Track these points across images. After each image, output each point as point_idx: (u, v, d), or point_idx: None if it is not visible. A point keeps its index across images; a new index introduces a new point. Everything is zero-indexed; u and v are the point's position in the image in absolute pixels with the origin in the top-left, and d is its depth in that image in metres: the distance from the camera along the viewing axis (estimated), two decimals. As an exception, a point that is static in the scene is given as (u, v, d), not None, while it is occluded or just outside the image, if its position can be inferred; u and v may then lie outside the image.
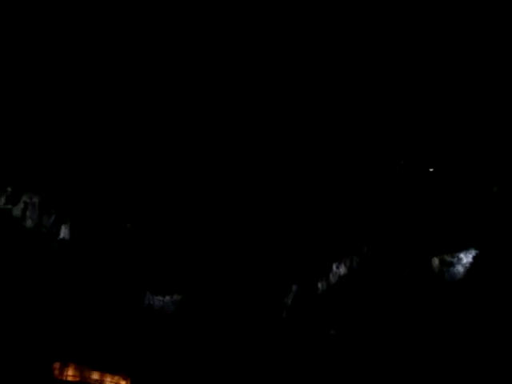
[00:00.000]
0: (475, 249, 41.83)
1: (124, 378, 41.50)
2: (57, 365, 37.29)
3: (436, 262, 43.80)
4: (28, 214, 39.84)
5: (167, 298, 49.99)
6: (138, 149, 45.63)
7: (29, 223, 39.23)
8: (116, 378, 40.89)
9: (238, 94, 46.02)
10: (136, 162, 46.28)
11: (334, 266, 49.28)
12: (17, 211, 38.53)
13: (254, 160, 48.62)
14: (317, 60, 42.17)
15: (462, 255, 43.17)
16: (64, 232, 42.04)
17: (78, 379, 37.42)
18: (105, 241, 47.26)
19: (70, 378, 37.07)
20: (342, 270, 47.92)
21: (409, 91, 42.62)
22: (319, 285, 49.41)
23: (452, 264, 43.57)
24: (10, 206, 37.97)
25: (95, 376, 39.11)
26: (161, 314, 48.68)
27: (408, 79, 42.08)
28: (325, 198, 49.78)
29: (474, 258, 42.26)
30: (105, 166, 45.25)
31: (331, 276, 49.07)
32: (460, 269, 43.33)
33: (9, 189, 37.87)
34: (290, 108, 44.20)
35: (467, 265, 42.91)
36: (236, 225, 52.21)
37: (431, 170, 42.92)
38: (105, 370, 39.74)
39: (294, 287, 50.65)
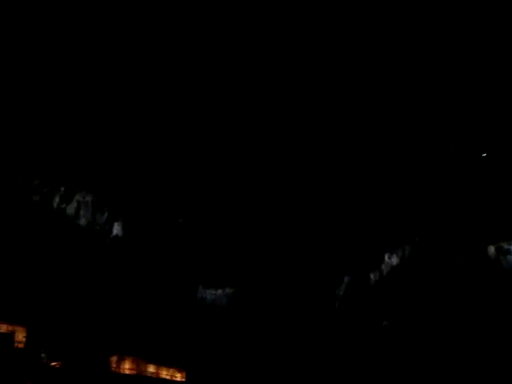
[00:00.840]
0: (533, 236, 40.41)
1: (179, 371, 42.21)
2: (114, 358, 38.24)
3: (492, 249, 42.46)
4: (81, 212, 40.98)
5: (219, 291, 50.47)
6: (187, 146, 46.09)
7: (82, 221, 40.33)
8: (171, 370, 41.64)
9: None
10: (186, 159, 46.75)
11: (386, 257, 48.55)
12: (70, 210, 39.67)
13: (300, 156, 48.30)
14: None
15: (519, 243, 41.80)
16: (117, 229, 43.00)
17: (134, 372, 38.29)
18: (157, 236, 48.06)
19: (126, 371, 37.97)
20: (395, 260, 47.12)
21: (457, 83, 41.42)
22: (371, 275, 48.80)
23: (509, 252, 42.17)
24: (63, 205, 39.13)
25: (151, 369, 39.94)
26: (213, 307, 49.21)
27: (450, 72, 40.96)
28: (375, 189, 49.01)
29: (532, 245, 40.84)
30: (155, 164, 45.95)
31: (383, 266, 48.36)
32: (517, 257, 41.94)
33: (62, 188, 39.02)
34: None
35: (525, 252, 41.50)
36: (288, 217, 52.12)
37: (484, 155, 41.57)
38: (161, 363, 40.53)
39: (346, 278, 50.15)
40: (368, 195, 48.71)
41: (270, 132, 47.34)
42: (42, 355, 38.11)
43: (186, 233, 47.39)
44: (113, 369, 39.62)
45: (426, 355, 40.09)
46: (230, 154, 47.26)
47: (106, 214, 42.53)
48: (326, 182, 49.86)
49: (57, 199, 38.65)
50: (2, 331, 33.32)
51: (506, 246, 39.36)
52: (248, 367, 48.92)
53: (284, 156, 48.01)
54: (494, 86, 39.59)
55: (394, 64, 41.86)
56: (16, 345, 34.85)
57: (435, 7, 38.08)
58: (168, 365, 44.76)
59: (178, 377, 47.18)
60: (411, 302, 42.19)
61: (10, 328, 34.85)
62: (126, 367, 40.08)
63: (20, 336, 35.48)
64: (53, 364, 39.04)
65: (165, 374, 45.11)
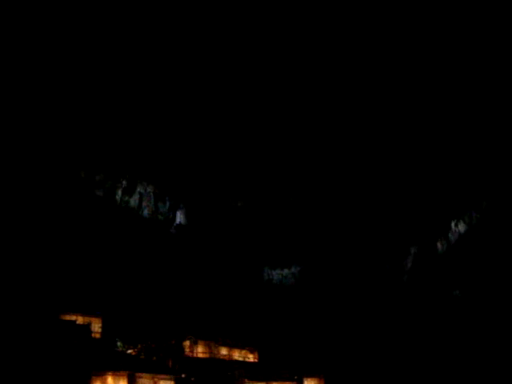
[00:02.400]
0: None
1: (251, 352, 42.80)
2: (187, 343, 39.16)
3: None
4: (144, 203, 41.97)
5: (286, 270, 50.63)
6: (240, 130, 46.24)
7: (145, 212, 41.32)
8: (244, 351, 42.27)
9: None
10: (239, 143, 46.90)
11: (453, 224, 47.06)
12: (133, 202, 40.69)
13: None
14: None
15: None
16: (180, 217, 43.83)
17: (207, 356, 39.10)
18: (219, 221, 48.61)
19: (200, 355, 38.81)
20: (462, 227, 45.63)
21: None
22: (438, 245, 47.50)
23: None
24: (126, 198, 40.17)
25: (224, 351, 40.68)
26: (281, 287, 49.48)
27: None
28: (438, 156, 47.42)
29: None
30: (211, 150, 46.32)
31: (450, 235, 46.95)
32: None
33: (124, 182, 40.04)
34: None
35: None
36: (352, 191, 51.40)
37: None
38: (233, 345, 41.18)
39: (413, 249, 49.09)
40: (430, 163, 47.29)
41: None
42: (118, 343, 39.53)
43: (247, 215, 47.72)
44: (186, 353, 40.61)
45: (500, 324, 38.81)
46: (280, 139, 47.30)
47: (168, 204, 43.41)
48: (388, 154, 48.80)
49: (119, 192, 39.74)
50: (78, 323, 34.63)
51: None
52: (318, 342, 48.95)
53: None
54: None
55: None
56: (93, 335, 36.24)
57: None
58: (240, 346, 45.48)
59: (251, 357, 47.85)
60: (482, 270, 40.85)
61: (87, 319, 36.23)
62: (199, 351, 40.99)
63: (96, 327, 36.84)
64: (129, 351, 40.44)
65: (237, 355, 45.84)
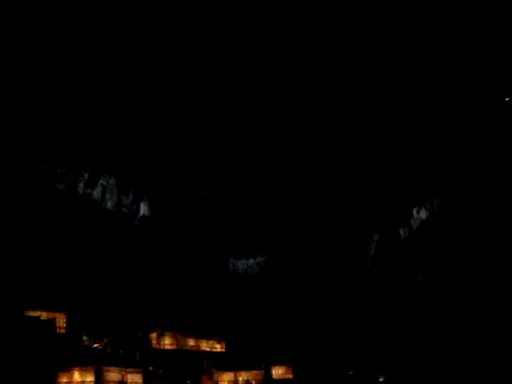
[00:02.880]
0: None
1: (218, 342, 42.92)
2: (154, 335, 39.00)
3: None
4: (107, 196, 41.37)
5: (251, 260, 50.78)
6: (205, 122, 46.00)
7: (109, 204, 40.76)
8: (211, 342, 42.34)
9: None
10: (205, 133, 46.68)
11: (415, 211, 48.06)
12: (96, 194, 40.08)
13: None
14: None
15: None
16: (144, 209, 43.42)
17: (174, 347, 39.01)
18: (183, 212, 48.34)
19: (167, 347, 38.70)
20: (423, 214, 46.63)
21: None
22: (401, 231, 48.49)
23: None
24: (89, 191, 39.54)
25: (191, 342, 40.64)
26: (246, 277, 49.62)
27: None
28: (400, 143, 48.17)
29: None
30: (174, 140, 45.94)
31: (412, 221, 47.95)
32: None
33: (86, 174, 39.37)
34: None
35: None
36: (313, 180, 51.79)
37: (507, 99, 40.34)
38: (200, 335, 41.19)
39: (376, 236, 49.98)
40: (392, 152, 47.99)
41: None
42: (84, 338, 39.08)
43: (212, 205, 47.60)
44: (153, 345, 40.46)
45: (463, 310, 39.89)
46: (248, 130, 47.19)
47: (131, 196, 42.92)
48: (349, 143, 49.26)
49: (81, 185, 39.09)
50: (43, 318, 34.10)
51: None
52: (285, 331, 49.41)
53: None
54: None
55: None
56: (58, 330, 35.72)
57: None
58: (207, 337, 45.54)
59: (218, 347, 48.00)
60: (445, 256, 41.86)
61: (51, 315, 35.66)
62: (167, 342, 40.88)
63: (61, 322, 36.31)
64: (95, 346, 40.03)
65: (205, 346, 45.87)
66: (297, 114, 46.98)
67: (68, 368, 32.58)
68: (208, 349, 43.98)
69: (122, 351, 38.27)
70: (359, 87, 44.68)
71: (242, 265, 46.87)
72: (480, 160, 40.44)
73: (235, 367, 41.33)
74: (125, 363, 35.91)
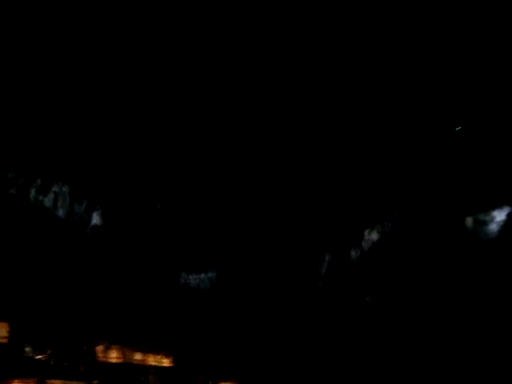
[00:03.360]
0: (509, 206, 40.81)
1: (167, 356, 42.19)
2: (100, 348, 38.08)
3: (470, 221, 42.90)
4: (59, 203, 40.44)
5: (203, 275, 50.45)
6: (164, 130, 45.77)
7: (61, 212, 39.85)
8: (159, 356, 41.58)
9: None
10: (162, 142, 46.45)
11: (366, 233, 48.94)
12: (48, 202, 39.14)
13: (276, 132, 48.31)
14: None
15: (495, 213, 42.13)
16: (96, 218, 42.64)
17: (121, 361, 38.18)
18: (137, 223, 47.83)
19: (113, 360, 37.81)
20: (375, 236, 47.52)
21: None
22: (352, 252, 49.23)
23: (486, 223, 42.56)
24: (41, 197, 38.56)
25: (138, 356, 39.83)
26: (198, 291, 49.29)
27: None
28: (352, 164, 49.13)
29: (508, 215, 41.27)
30: (130, 149, 45.57)
31: (364, 243, 48.75)
32: (494, 227, 42.38)
33: (38, 180, 38.42)
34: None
35: (501, 223, 41.96)
36: (266, 195, 52.13)
37: (459, 128, 41.80)
38: (147, 350, 40.56)
39: (328, 256, 50.52)
40: (344, 170, 48.91)
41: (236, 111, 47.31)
42: (27, 349, 37.76)
43: (165, 218, 47.18)
44: (99, 358, 39.37)
45: (409, 331, 40.72)
46: (204, 138, 47.16)
47: (84, 204, 42.12)
48: (300, 156, 49.87)
49: (33, 191, 38.10)
50: (-16, 327, 32.93)
51: (482, 217, 39.87)
52: (235, 349, 49.23)
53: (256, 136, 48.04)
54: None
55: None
56: (0, 340, 34.50)
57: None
58: (155, 351, 44.62)
59: (166, 362, 46.97)
60: (394, 277, 42.70)
61: (-7, 324, 34.44)
62: (113, 356, 39.83)
63: (3, 331, 35.06)
64: (38, 357, 38.73)
65: (152, 360, 44.93)
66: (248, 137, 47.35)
67: (9, 380, 31.51)
68: (155, 363, 43.07)
69: (66, 363, 37.25)
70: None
71: (193, 279, 46.43)
72: (431, 185, 41.72)
73: (182, 382, 40.71)
74: (68, 376, 34.94)
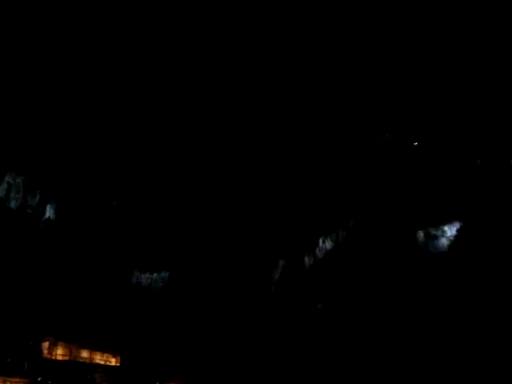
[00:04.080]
0: (460, 221, 42.25)
1: (114, 355, 41.69)
2: (46, 344, 37.31)
3: (421, 235, 44.18)
4: (12, 194, 39.49)
5: (155, 274, 49.98)
6: (121, 127, 45.08)
7: (13, 204, 38.90)
8: (106, 355, 41.04)
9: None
10: (119, 141, 45.72)
11: (321, 241, 49.59)
12: (1, 192, 38.16)
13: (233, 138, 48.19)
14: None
15: (446, 228, 43.62)
16: (49, 212, 41.78)
17: (67, 358, 37.51)
18: (91, 219, 46.92)
19: (59, 357, 37.12)
20: (329, 244, 48.21)
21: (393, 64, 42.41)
22: (306, 259, 49.76)
23: (436, 237, 43.96)
24: (-7, 188, 37.58)
25: (85, 354, 39.22)
26: (149, 291, 48.73)
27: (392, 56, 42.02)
28: (309, 174, 49.59)
29: (458, 230, 42.72)
30: (88, 145, 44.74)
31: (318, 251, 49.38)
32: (444, 241, 43.79)
33: (-9, 170, 37.44)
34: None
35: (451, 238, 43.39)
36: (222, 199, 52.01)
37: (415, 143, 42.95)
38: (94, 348, 39.88)
39: (281, 262, 50.92)
40: (302, 179, 49.27)
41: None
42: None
43: (120, 215, 46.52)
44: (45, 355, 38.63)
45: (357, 337, 41.39)
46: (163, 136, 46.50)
47: (38, 197, 41.22)
48: (257, 165, 49.87)
49: (-15, 182, 37.11)
50: None
51: (433, 232, 41.02)
52: (183, 349, 48.86)
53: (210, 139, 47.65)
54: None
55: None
56: None
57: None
58: (102, 350, 44.07)
59: (113, 361, 46.55)
60: (345, 286, 43.32)
61: None
62: (59, 353, 39.17)
63: None
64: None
65: (99, 358, 44.36)
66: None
67: None
68: (102, 362, 42.61)
69: (9, 359, 36.31)
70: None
71: (145, 278, 46.03)
72: (386, 197, 42.55)
73: (128, 382, 40.32)
74: (11, 372, 34.11)
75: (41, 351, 39.66)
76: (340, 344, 41.89)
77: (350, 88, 44.45)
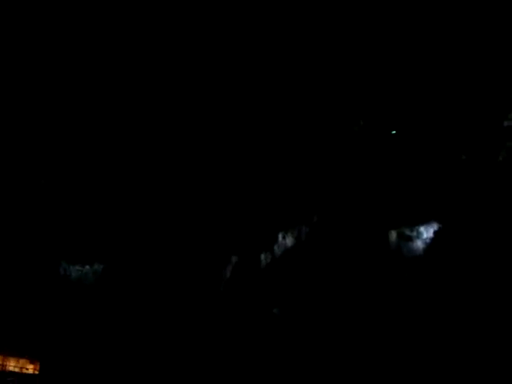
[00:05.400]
0: (438, 223, 38.61)
1: (31, 362, 36.16)
2: None
3: (393, 235, 40.33)
4: None
5: (87, 267, 44.48)
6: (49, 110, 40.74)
7: None
8: (21, 361, 35.49)
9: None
10: (48, 118, 41.24)
11: (280, 237, 44.91)
12: None
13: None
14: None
15: (422, 229, 39.82)
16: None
17: (-29, 367, 31.88)
18: (15, 198, 41.32)
19: (-40, 366, 31.45)
20: (289, 240, 43.67)
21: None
22: (262, 256, 45.09)
23: (411, 239, 40.16)
24: None
25: (-5, 361, 33.76)
26: (78, 286, 43.26)
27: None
28: (272, 163, 45.74)
29: (435, 232, 39.06)
30: (15, 123, 39.82)
31: (276, 247, 44.76)
32: (419, 244, 40.02)
33: None
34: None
35: (427, 240, 39.64)
36: (169, 186, 47.69)
37: (394, 132, 39.10)
38: (8, 353, 34.48)
39: (234, 258, 46.10)
40: (262, 168, 45.55)
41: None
42: None
43: (49, 197, 40.91)
44: None
45: (316, 346, 37.64)
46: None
47: None
48: (219, 158, 46.55)
49: None
50: None
51: (408, 233, 37.28)
52: (114, 353, 43.97)
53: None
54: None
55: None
56: None
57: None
58: (17, 355, 38.39)
59: (30, 368, 40.72)
60: (304, 289, 39.28)
61: None
62: (-38, 360, 33.65)
63: None
64: None
65: (13, 365, 38.66)
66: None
67: None
68: (17, 369, 37.11)
69: None
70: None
71: (75, 271, 40.33)
72: (357, 191, 38.66)
73: (47, 394, 35.01)
74: None
75: None
76: (295, 355, 38.02)
77: (323, 70, 41.74)
